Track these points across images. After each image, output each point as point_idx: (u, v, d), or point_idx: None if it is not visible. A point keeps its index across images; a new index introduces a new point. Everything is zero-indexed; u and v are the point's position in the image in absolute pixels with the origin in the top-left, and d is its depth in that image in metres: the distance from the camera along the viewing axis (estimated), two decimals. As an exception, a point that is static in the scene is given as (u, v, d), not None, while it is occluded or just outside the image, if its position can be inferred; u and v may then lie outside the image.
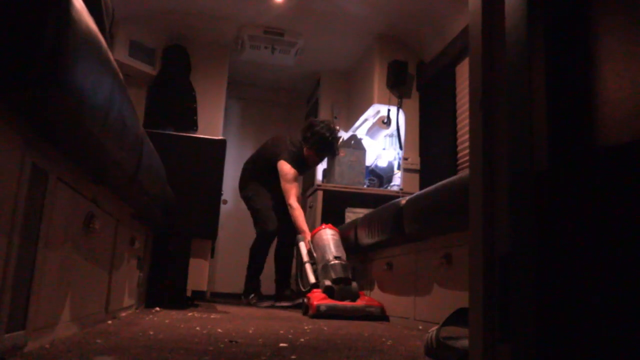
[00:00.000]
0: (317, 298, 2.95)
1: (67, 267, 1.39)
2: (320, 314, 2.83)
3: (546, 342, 0.78)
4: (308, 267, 3.45)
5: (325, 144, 4.05)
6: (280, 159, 4.05)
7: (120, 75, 1.26)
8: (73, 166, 1.32)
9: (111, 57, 1.18)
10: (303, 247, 3.63)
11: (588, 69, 0.84)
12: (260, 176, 4.21)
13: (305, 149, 4.10)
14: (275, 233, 4.09)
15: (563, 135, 0.82)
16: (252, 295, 4.03)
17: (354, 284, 3.11)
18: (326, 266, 3.21)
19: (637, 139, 0.81)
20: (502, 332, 0.86)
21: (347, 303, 2.96)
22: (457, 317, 1.35)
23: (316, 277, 3.31)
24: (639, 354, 0.74)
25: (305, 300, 3.11)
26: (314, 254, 3.46)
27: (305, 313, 3.08)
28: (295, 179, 4.09)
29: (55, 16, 0.88)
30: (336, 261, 3.21)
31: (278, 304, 3.95)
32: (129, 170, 1.55)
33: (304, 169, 4.29)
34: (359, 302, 2.98)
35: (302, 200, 5.56)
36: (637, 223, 0.77)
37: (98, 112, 1.10)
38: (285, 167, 4.03)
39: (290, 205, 3.96)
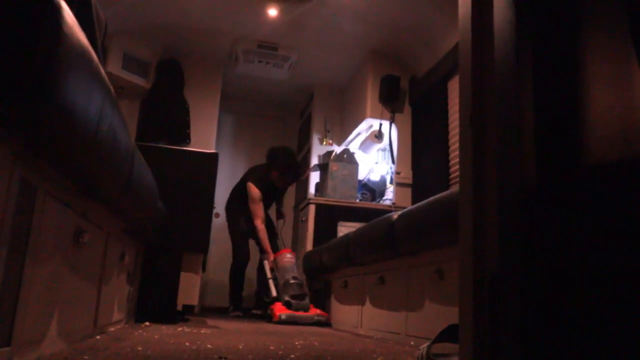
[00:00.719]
0: (279, 309, 3.84)
1: (55, 282, 1.37)
2: (281, 321, 3.70)
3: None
4: (271, 283, 4.19)
5: (286, 164, 4.51)
6: (248, 181, 4.57)
7: (112, 89, 1.26)
8: (63, 180, 1.31)
9: (102, 72, 1.18)
10: (267, 265, 4.33)
11: (576, 89, 0.85)
12: (240, 198, 4.68)
13: (272, 172, 4.56)
14: (245, 262, 4.68)
15: (551, 154, 0.83)
16: (231, 308, 4.61)
17: (306, 299, 3.99)
18: (286, 284, 4.04)
19: (624, 158, 0.82)
20: (491, 352, 0.86)
21: (301, 313, 3.83)
22: (448, 334, 1.35)
23: (277, 292, 4.09)
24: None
25: (269, 310, 3.98)
26: (276, 273, 4.21)
27: (269, 320, 3.90)
28: (260, 200, 4.52)
29: (46, 31, 0.88)
30: (294, 280, 4.05)
31: (254, 311, 4.61)
32: (119, 184, 1.55)
33: (272, 190, 4.67)
34: (310, 312, 3.88)
35: (295, 214, 5.56)
36: (624, 241, 0.77)
37: (89, 126, 1.10)
38: (251, 189, 4.52)
39: (255, 226, 4.49)
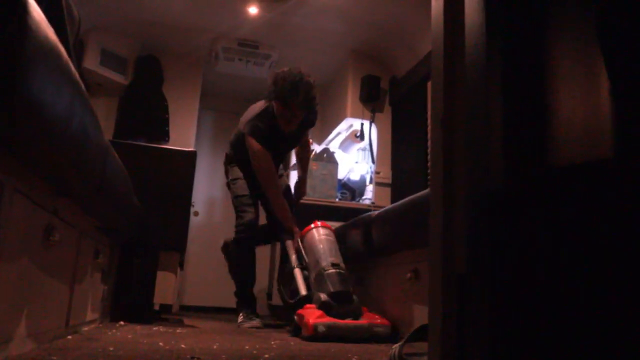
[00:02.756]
0: (313, 315, 2.35)
1: (25, 281, 1.35)
2: (318, 335, 2.27)
3: (500, 361, 0.79)
4: (298, 273, 2.76)
5: (292, 85, 2.92)
6: (245, 133, 3.13)
7: (82, 86, 1.24)
8: (32, 177, 1.29)
9: (72, 68, 1.16)
10: (291, 248, 2.93)
11: (543, 91, 0.86)
12: (239, 156, 3.33)
13: (274, 107, 3.06)
14: (252, 225, 3.17)
15: (518, 155, 0.84)
16: (241, 314, 3.14)
17: (355, 298, 2.53)
18: (321, 275, 2.57)
19: (590, 159, 0.83)
20: (459, 352, 0.87)
21: (349, 321, 2.38)
22: (420, 333, 1.36)
23: (308, 288, 2.70)
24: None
25: (296, 317, 2.50)
26: (305, 259, 2.80)
27: (296, 334, 2.50)
28: (268, 159, 3.06)
29: (11, 26, 0.86)
30: (333, 269, 2.57)
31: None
32: (92, 181, 1.53)
33: (278, 136, 3.14)
34: (364, 320, 2.42)
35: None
36: (589, 242, 0.78)
37: (58, 123, 1.08)
38: (251, 143, 3.07)
39: (268, 197, 3.11)
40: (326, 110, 5.61)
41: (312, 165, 4.54)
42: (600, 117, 0.83)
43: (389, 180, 4.74)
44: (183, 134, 4.93)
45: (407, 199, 2.33)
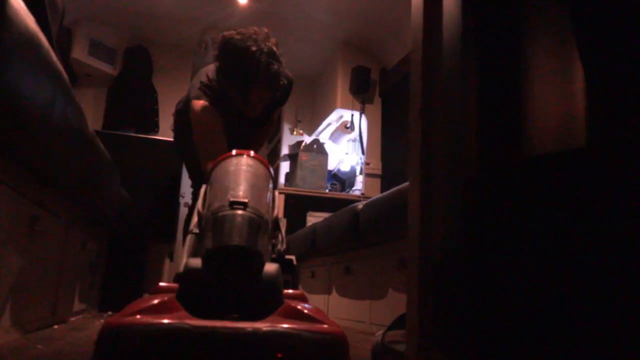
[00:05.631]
0: (130, 309, 0.97)
1: (9, 271, 1.35)
2: (106, 345, 0.90)
3: (473, 346, 0.80)
4: (189, 240, 1.40)
5: (242, 65, 2.09)
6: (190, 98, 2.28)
7: (65, 75, 1.24)
8: (16, 168, 1.29)
9: (54, 58, 1.16)
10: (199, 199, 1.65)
11: (518, 83, 0.87)
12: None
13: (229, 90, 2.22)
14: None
15: (492, 144, 0.85)
16: None
17: (272, 268, 1.11)
18: (207, 223, 1.24)
19: (561, 149, 0.84)
20: (434, 338, 0.88)
21: (221, 323, 0.94)
22: (402, 322, 1.37)
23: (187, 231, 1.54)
24: (560, 355, 0.76)
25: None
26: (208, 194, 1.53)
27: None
28: (210, 112, 2.19)
29: (-10, 15, 0.86)
30: (230, 210, 1.20)
31: None
32: (76, 171, 1.53)
33: (236, 118, 2.31)
34: (265, 322, 0.98)
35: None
36: (559, 230, 0.80)
37: (38, 113, 1.08)
38: (193, 105, 2.20)
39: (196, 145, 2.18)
40: (316, 101, 5.61)
41: (302, 157, 4.55)
42: (575, 108, 0.84)
43: (379, 172, 4.75)
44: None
45: (393, 189, 2.35)
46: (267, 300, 1.08)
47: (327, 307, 3.32)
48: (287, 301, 1.09)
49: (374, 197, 2.69)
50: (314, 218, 4.28)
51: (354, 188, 4.80)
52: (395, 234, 2.35)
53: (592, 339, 0.76)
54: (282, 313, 1.05)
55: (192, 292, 1.05)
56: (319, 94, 5.54)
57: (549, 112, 0.85)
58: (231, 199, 1.23)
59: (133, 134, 3.81)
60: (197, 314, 0.99)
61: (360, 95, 4.78)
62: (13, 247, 1.36)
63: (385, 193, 2.44)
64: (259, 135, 2.56)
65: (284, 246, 1.43)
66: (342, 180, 4.96)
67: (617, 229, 0.78)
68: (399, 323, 1.38)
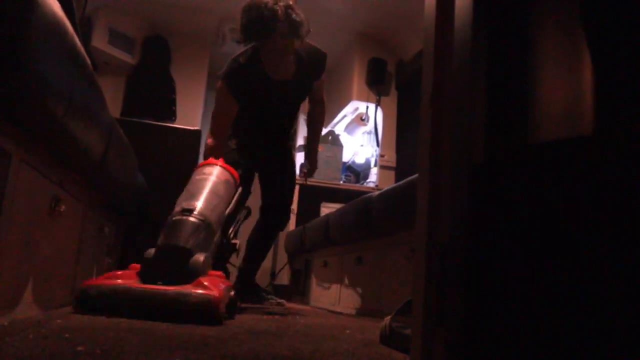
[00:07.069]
0: (101, 278, 1.69)
1: (31, 249, 1.41)
2: (83, 304, 1.55)
3: (475, 325, 0.83)
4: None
5: (263, 12, 2.24)
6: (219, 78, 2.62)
7: (88, 61, 1.28)
8: (38, 150, 1.34)
9: (78, 44, 1.20)
10: None
11: (525, 70, 0.89)
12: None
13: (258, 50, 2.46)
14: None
15: (499, 131, 0.87)
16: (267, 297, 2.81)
17: (200, 257, 1.71)
18: (168, 222, 1.86)
19: (567, 136, 0.86)
20: (438, 317, 0.91)
21: (149, 287, 1.58)
22: (409, 307, 1.40)
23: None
24: (560, 341, 0.79)
25: None
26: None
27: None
28: (226, 97, 2.52)
29: (19, 0, 0.90)
30: (178, 217, 1.82)
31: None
32: (95, 155, 1.58)
33: (268, 87, 2.53)
34: (178, 287, 1.58)
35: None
36: (564, 216, 0.82)
37: (61, 96, 1.12)
38: (217, 89, 2.60)
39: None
40: (332, 93, 5.63)
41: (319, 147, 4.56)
42: (582, 96, 0.86)
43: (394, 164, 4.77)
44: (190, 114, 4.97)
45: (406, 179, 2.37)
46: (187, 276, 1.67)
47: (339, 296, 3.36)
48: (201, 277, 1.66)
49: (387, 188, 2.71)
50: (327, 209, 4.32)
51: (368, 180, 4.82)
52: (407, 224, 2.38)
53: (595, 324, 0.78)
54: (192, 284, 1.63)
55: (145, 269, 1.72)
56: (334, 85, 5.56)
57: (555, 99, 0.87)
58: (184, 206, 1.88)
59: (148, 121, 3.86)
60: (143, 281, 1.65)
61: (376, 87, 4.79)
62: (35, 226, 1.42)
63: (397, 184, 2.47)
64: (315, 124, 2.91)
65: (234, 234, 2.31)
66: (357, 172, 4.98)
67: (622, 217, 0.80)
68: (407, 308, 1.41)
